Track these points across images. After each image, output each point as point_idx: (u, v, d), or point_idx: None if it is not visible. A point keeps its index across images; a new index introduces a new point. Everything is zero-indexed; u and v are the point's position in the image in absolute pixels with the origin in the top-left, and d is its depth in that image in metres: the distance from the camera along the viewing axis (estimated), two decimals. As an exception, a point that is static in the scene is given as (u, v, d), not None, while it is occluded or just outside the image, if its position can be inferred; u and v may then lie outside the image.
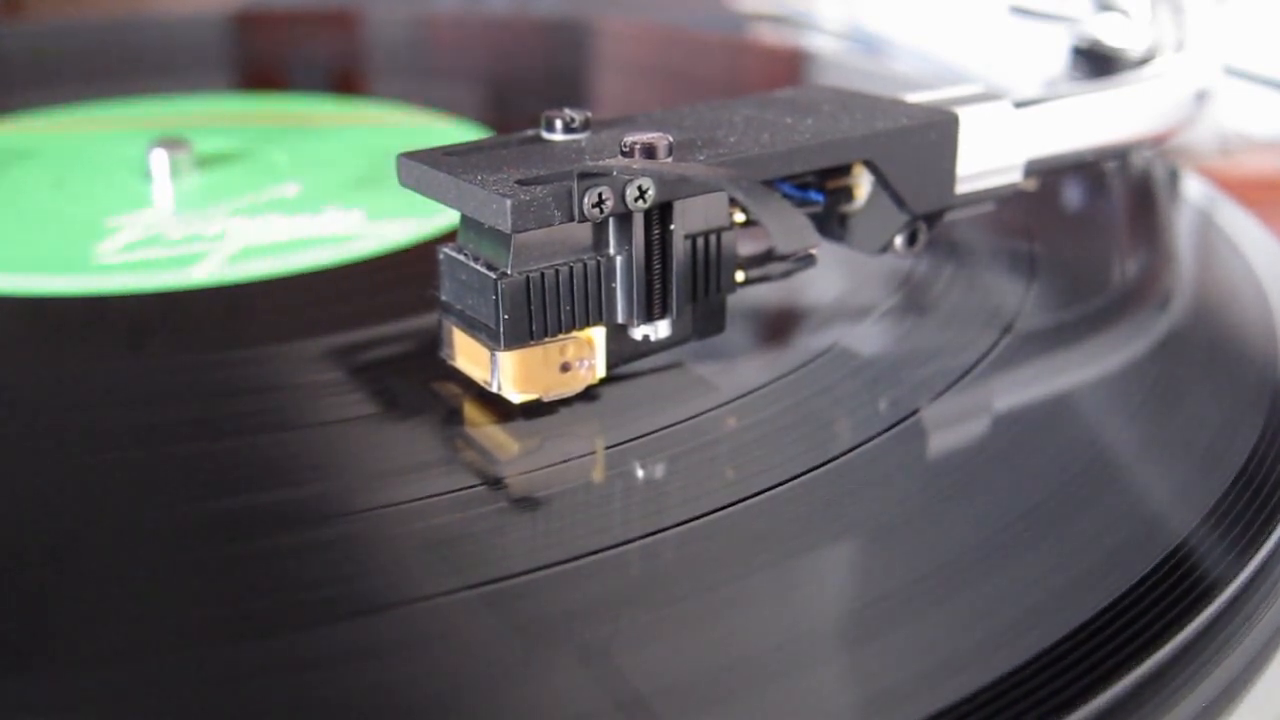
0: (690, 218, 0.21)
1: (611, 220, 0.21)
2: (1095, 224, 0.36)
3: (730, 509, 0.19)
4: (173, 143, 0.36)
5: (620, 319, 0.21)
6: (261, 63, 0.60)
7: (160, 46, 0.60)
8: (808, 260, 0.24)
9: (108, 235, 0.31)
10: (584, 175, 0.19)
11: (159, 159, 0.35)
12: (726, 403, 0.22)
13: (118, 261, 0.29)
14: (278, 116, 0.45)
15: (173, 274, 0.28)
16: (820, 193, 0.25)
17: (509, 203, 0.19)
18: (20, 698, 0.15)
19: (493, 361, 0.21)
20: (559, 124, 0.22)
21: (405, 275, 0.28)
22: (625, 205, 0.20)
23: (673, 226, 0.21)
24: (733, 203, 0.22)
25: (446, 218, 0.31)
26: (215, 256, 0.29)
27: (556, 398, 0.21)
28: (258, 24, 0.67)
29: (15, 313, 0.27)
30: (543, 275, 0.20)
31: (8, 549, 0.18)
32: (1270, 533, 0.19)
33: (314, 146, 0.40)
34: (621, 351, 0.22)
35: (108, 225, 0.32)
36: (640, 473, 0.20)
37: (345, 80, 0.56)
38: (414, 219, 0.32)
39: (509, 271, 0.20)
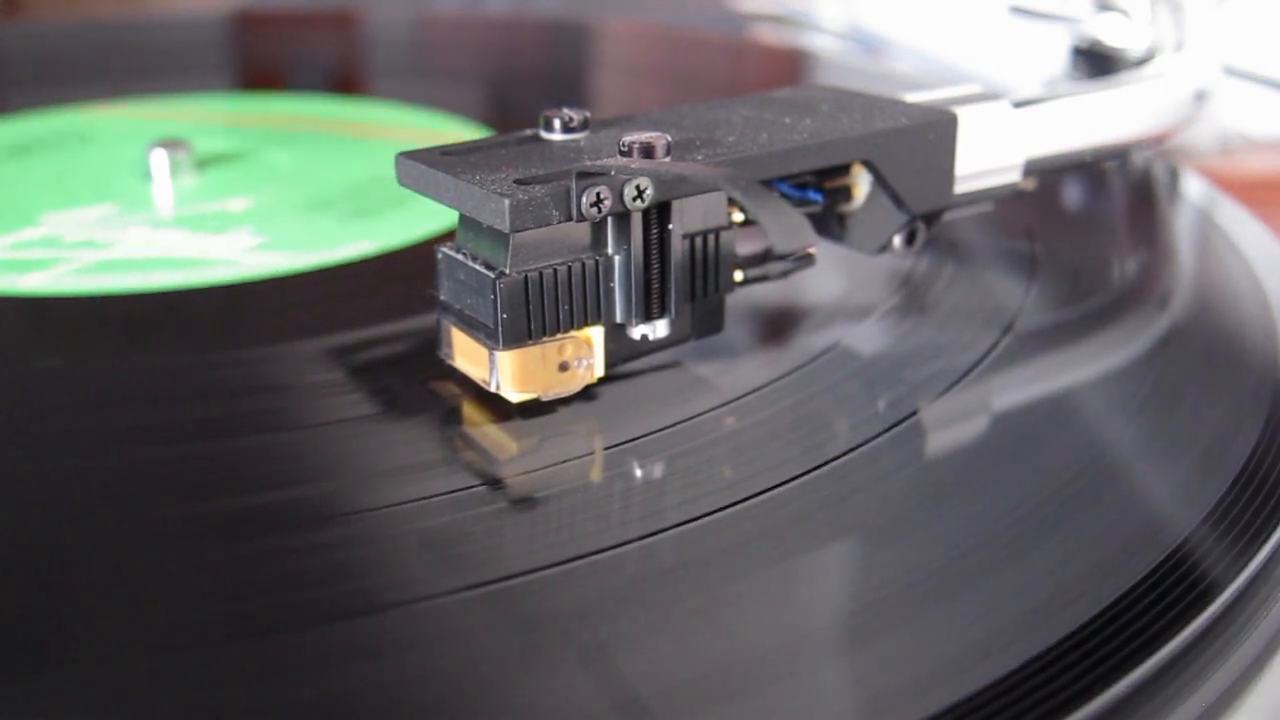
0: (689, 217, 0.21)
1: (610, 220, 0.21)
2: (1095, 224, 0.36)
3: (729, 509, 0.19)
4: (173, 143, 0.36)
5: (619, 318, 0.21)
6: (261, 63, 0.60)
7: (160, 46, 0.60)
8: (806, 260, 0.24)
9: (16, 230, 0.31)
10: (582, 175, 0.19)
11: (159, 159, 0.35)
12: (726, 403, 0.22)
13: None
14: (277, 117, 0.45)
15: (4, 279, 0.28)
16: (819, 192, 0.24)
17: (507, 202, 0.19)
18: (21, 697, 0.15)
19: (491, 361, 0.20)
20: (557, 123, 0.22)
21: (404, 275, 0.28)
22: (623, 205, 0.20)
23: (671, 226, 0.21)
24: (731, 202, 0.22)
25: (341, 252, 0.30)
26: (63, 268, 0.29)
27: (555, 397, 0.21)
28: (258, 24, 0.67)
29: (15, 313, 0.27)
30: (541, 275, 0.20)
31: (8, 550, 0.18)
32: (1270, 533, 0.19)
33: (313, 150, 0.40)
34: (620, 351, 0.22)
35: (36, 219, 0.32)
36: (639, 473, 0.20)
37: (345, 80, 0.56)
38: (310, 252, 0.30)
39: (507, 271, 0.20)
